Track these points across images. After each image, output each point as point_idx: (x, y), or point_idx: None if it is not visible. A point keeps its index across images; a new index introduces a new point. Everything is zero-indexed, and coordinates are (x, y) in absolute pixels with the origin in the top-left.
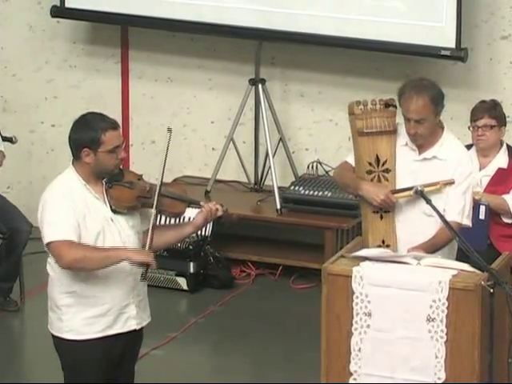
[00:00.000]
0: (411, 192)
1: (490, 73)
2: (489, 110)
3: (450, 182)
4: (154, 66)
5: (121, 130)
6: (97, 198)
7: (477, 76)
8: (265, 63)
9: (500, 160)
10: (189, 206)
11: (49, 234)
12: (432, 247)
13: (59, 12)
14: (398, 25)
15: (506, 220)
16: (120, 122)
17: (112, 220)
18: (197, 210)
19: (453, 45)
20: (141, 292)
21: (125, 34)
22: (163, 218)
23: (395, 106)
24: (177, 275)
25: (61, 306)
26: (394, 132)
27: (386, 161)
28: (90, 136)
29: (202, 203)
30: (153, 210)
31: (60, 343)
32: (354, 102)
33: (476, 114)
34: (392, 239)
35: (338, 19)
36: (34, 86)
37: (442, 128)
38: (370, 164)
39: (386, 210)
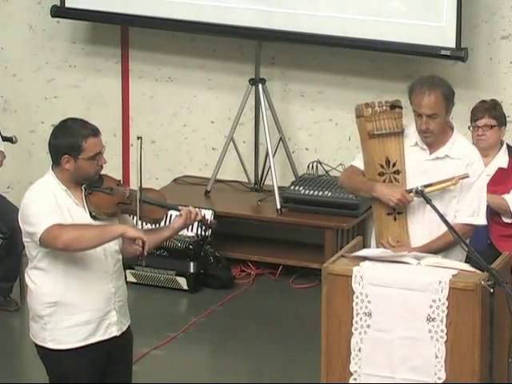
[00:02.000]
0: (427, 190)
1: (490, 73)
2: (489, 110)
3: (465, 176)
4: (154, 65)
5: (101, 136)
6: (76, 203)
7: (477, 76)
8: (265, 63)
9: (500, 160)
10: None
11: (38, 226)
12: (428, 248)
13: (59, 12)
14: (399, 25)
15: (506, 220)
16: (120, 121)
17: None
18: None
19: (453, 45)
20: (121, 297)
21: (125, 33)
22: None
23: (401, 107)
24: (177, 275)
25: (43, 316)
26: (401, 133)
27: (395, 162)
28: (70, 143)
29: (180, 207)
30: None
31: (44, 353)
32: (363, 104)
33: (476, 113)
34: (406, 240)
35: (338, 19)
36: (34, 85)
37: (452, 128)
38: (382, 166)
39: (398, 211)
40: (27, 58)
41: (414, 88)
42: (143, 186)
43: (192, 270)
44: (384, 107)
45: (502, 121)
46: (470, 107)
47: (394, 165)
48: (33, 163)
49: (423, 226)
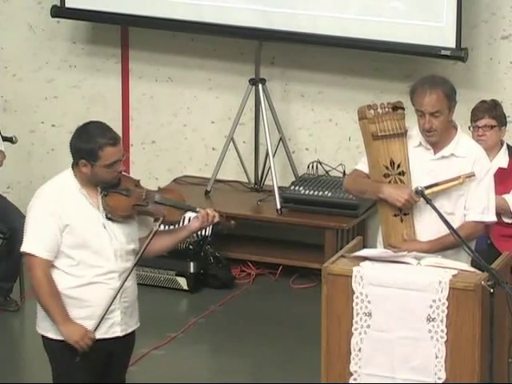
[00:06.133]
0: (434, 189)
1: (490, 73)
2: (489, 111)
3: (471, 175)
4: (154, 65)
5: (121, 144)
6: (90, 203)
7: (477, 76)
8: (265, 63)
9: (500, 160)
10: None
11: (26, 243)
12: (440, 245)
13: (59, 12)
14: (398, 25)
15: (506, 220)
16: (120, 121)
17: (104, 226)
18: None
19: (453, 45)
20: (128, 298)
21: (125, 34)
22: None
23: (403, 108)
24: (177, 275)
25: None
26: (405, 134)
27: (400, 163)
28: (87, 149)
29: (197, 209)
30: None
31: (46, 342)
32: (365, 106)
33: (476, 114)
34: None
35: (338, 19)
36: (34, 85)
37: (456, 127)
38: (387, 167)
39: (405, 212)
40: (27, 58)
41: (416, 88)
42: (142, 186)
43: (192, 270)
44: (386, 109)
45: (502, 121)
46: (470, 107)
47: (398, 166)
48: (33, 163)
49: (431, 225)
